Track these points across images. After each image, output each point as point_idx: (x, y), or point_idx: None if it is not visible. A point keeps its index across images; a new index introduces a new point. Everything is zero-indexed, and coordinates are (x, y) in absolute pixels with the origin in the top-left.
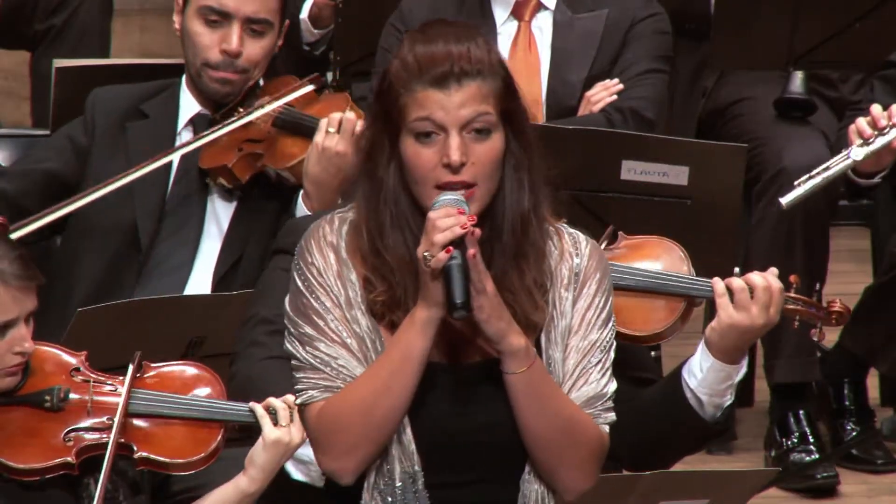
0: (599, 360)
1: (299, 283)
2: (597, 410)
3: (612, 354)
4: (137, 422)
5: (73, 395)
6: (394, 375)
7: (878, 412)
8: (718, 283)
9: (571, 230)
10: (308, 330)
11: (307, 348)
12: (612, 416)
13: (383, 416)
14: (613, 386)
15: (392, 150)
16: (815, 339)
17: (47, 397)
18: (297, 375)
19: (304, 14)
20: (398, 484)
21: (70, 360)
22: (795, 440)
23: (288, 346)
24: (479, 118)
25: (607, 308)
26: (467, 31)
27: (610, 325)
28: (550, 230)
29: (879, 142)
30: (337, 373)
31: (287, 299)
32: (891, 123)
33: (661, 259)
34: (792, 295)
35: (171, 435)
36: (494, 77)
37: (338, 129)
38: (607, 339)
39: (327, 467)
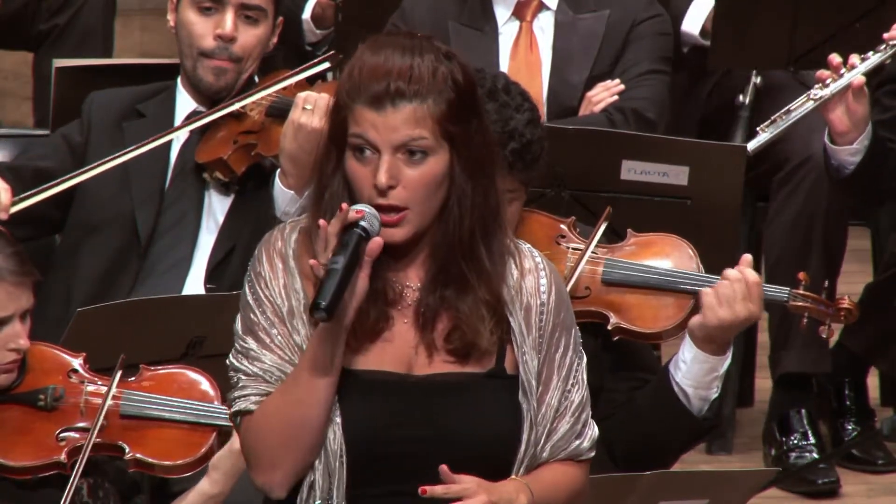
0: (570, 398)
1: (249, 297)
2: (572, 442)
3: (585, 388)
4: (131, 423)
5: (67, 396)
6: (304, 386)
7: (878, 412)
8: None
9: (527, 247)
10: (254, 345)
11: (254, 362)
12: (592, 432)
13: (299, 427)
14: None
15: (338, 160)
16: (824, 335)
17: (41, 396)
18: (239, 385)
19: (306, 14)
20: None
21: (68, 360)
22: (796, 439)
23: (233, 360)
24: (412, 142)
25: (573, 338)
26: (418, 45)
27: (579, 360)
28: (511, 247)
29: (838, 84)
30: (279, 382)
31: (238, 316)
32: (849, 66)
33: (670, 256)
34: (801, 292)
35: (163, 437)
36: (437, 98)
37: (314, 105)
38: (576, 373)
39: (256, 481)
